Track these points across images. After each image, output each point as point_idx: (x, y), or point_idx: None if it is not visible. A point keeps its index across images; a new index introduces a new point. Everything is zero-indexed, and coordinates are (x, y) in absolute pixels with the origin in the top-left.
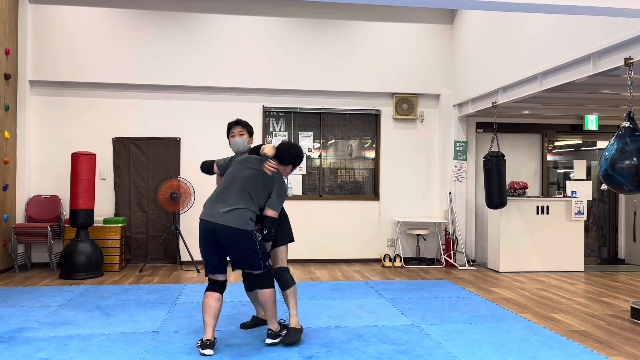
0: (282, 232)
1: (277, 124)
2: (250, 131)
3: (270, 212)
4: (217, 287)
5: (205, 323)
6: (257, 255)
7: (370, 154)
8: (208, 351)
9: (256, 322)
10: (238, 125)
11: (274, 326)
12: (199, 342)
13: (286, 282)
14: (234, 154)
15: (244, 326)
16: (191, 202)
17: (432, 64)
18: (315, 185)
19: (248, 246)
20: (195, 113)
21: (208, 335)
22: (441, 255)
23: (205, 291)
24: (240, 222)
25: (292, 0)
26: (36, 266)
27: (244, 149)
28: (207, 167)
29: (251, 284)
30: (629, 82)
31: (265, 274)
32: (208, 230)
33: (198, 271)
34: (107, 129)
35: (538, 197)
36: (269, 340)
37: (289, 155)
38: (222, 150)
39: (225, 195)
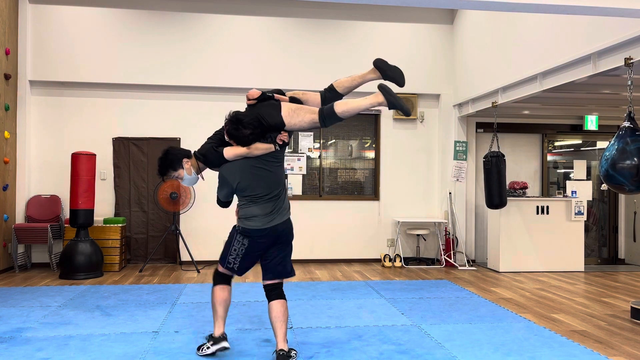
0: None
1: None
2: (175, 165)
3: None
4: (229, 280)
5: (220, 316)
6: (290, 254)
7: (370, 154)
8: (225, 343)
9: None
10: (165, 177)
11: (286, 346)
12: (209, 341)
13: (332, 115)
14: (223, 175)
15: None
16: (191, 202)
17: (432, 64)
18: (315, 186)
19: (292, 234)
20: (195, 113)
21: (222, 329)
22: (441, 255)
23: (218, 284)
24: (289, 210)
25: (292, 0)
26: (36, 266)
27: (196, 180)
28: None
29: None
30: (629, 82)
31: (282, 286)
32: (270, 235)
33: (198, 271)
34: (107, 129)
35: (538, 197)
36: None
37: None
38: None
39: (272, 203)
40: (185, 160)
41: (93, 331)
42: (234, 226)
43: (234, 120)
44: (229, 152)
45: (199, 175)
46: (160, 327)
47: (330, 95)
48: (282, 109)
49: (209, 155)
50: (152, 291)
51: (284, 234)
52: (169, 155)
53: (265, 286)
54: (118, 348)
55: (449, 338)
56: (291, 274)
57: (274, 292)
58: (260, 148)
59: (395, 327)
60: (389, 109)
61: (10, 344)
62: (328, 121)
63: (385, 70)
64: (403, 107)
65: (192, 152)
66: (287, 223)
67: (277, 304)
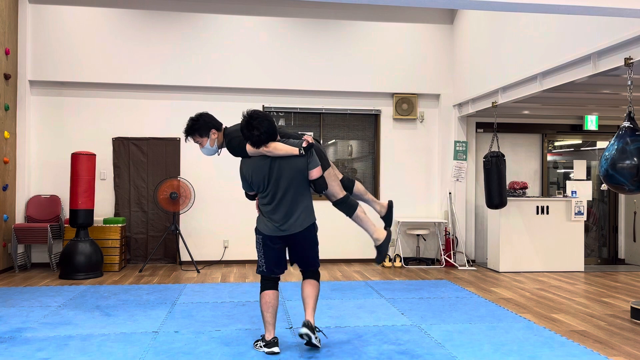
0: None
1: (277, 124)
2: (203, 131)
3: (314, 174)
4: (275, 283)
5: (267, 322)
6: (316, 249)
7: (370, 154)
8: (276, 348)
9: (383, 215)
10: (189, 137)
11: (312, 318)
12: (260, 342)
13: (351, 208)
14: (241, 167)
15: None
16: (191, 202)
17: (432, 64)
18: None
19: (314, 239)
20: (195, 113)
21: (272, 334)
22: (441, 255)
23: (263, 290)
24: (309, 219)
25: (292, 0)
26: (36, 266)
27: (214, 152)
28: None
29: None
30: (629, 82)
31: (316, 270)
32: (282, 239)
33: (198, 271)
34: (107, 129)
35: (538, 197)
36: (303, 330)
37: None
38: (222, 150)
39: (283, 210)
40: (213, 130)
41: (93, 331)
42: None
43: (246, 119)
44: (250, 147)
45: (218, 150)
46: (160, 327)
47: (346, 184)
48: (329, 164)
49: (234, 142)
50: (152, 291)
51: (298, 239)
52: (201, 119)
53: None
54: (118, 348)
55: (449, 338)
56: (314, 266)
57: (306, 274)
58: (281, 149)
59: (395, 327)
60: (374, 245)
61: (10, 344)
62: (342, 207)
63: (389, 217)
64: (381, 256)
65: (224, 127)
66: (302, 232)
67: (306, 284)
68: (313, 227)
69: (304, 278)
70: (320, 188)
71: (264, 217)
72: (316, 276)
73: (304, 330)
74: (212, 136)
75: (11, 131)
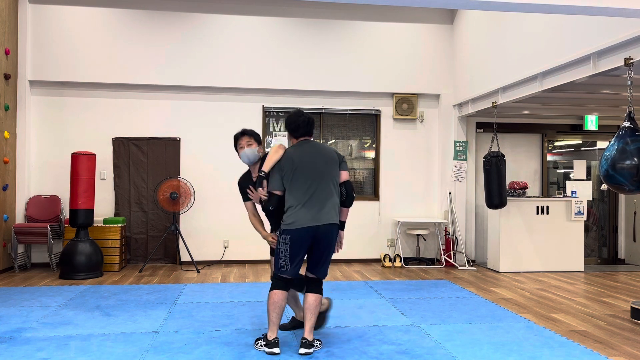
0: None
1: (277, 124)
2: (258, 139)
3: (345, 175)
4: (286, 284)
5: (272, 322)
6: (332, 254)
7: (370, 154)
8: (277, 349)
9: (295, 324)
10: (245, 136)
11: (310, 336)
12: (261, 341)
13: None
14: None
15: (283, 327)
16: (191, 202)
17: (432, 64)
18: None
19: (335, 241)
20: (195, 113)
21: (275, 334)
22: (441, 255)
23: (273, 289)
24: (338, 216)
25: (292, 0)
26: (36, 266)
27: (255, 159)
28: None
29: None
30: (629, 82)
31: (321, 282)
32: (310, 233)
33: (198, 271)
34: (107, 129)
35: (538, 197)
36: (302, 350)
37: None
38: (222, 150)
39: (317, 198)
40: (261, 145)
41: (93, 331)
42: (278, 231)
43: (297, 110)
44: (276, 148)
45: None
46: (160, 327)
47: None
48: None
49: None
50: (152, 291)
51: (324, 234)
52: (259, 135)
53: (306, 276)
54: (118, 348)
55: (449, 338)
56: (324, 273)
57: (312, 285)
58: (267, 160)
59: (395, 327)
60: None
61: (10, 344)
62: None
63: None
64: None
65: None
66: (330, 227)
67: (310, 297)
68: (337, 227)
69: (309, 290)
70: (350, 190)
71: (297, 209)
72: (320, 289)
73: (303, 350)
74: (260, 147)
75: (11, 131)
